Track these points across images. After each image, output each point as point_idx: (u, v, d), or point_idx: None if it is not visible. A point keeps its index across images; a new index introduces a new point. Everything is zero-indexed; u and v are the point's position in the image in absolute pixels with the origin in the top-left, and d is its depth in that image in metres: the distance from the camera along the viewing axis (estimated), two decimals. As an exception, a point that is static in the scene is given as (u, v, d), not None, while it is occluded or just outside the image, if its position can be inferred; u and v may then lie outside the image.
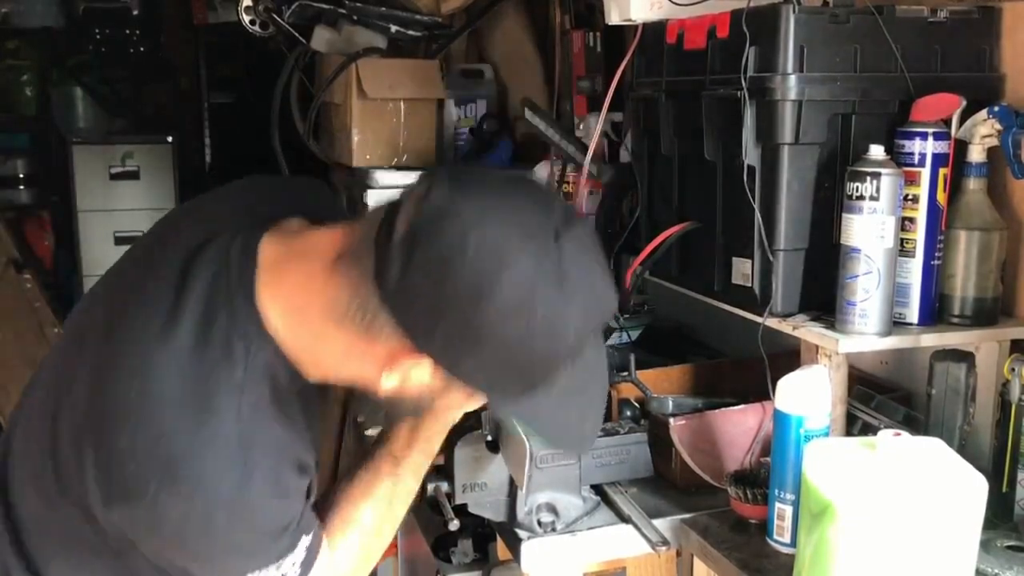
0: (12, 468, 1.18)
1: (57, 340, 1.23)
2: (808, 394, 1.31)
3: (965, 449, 1.35)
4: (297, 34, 2.69)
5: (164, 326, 1.03)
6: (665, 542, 1.43)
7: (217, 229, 1.10)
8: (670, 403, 1.68)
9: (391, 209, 0.98)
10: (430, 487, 1.44)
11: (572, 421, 1.10)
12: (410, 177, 1.14)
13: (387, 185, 2.47)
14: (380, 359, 1.01)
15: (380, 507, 1.22)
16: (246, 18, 2.73)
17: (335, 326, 1.02)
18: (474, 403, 1.14)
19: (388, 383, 1.03)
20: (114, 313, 1.08)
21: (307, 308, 1.04)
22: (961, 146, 1.40)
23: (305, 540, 1.10)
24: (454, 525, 1.45)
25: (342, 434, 3.14)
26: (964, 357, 1.37)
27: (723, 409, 1.56)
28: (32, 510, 1.15)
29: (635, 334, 2.01)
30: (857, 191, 1.31)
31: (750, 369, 1.52)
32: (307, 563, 1.10)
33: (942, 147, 1.37)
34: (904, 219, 1.36)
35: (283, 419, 1.07)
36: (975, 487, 1.10)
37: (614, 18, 1.77)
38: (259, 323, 1.04)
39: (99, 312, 1.13)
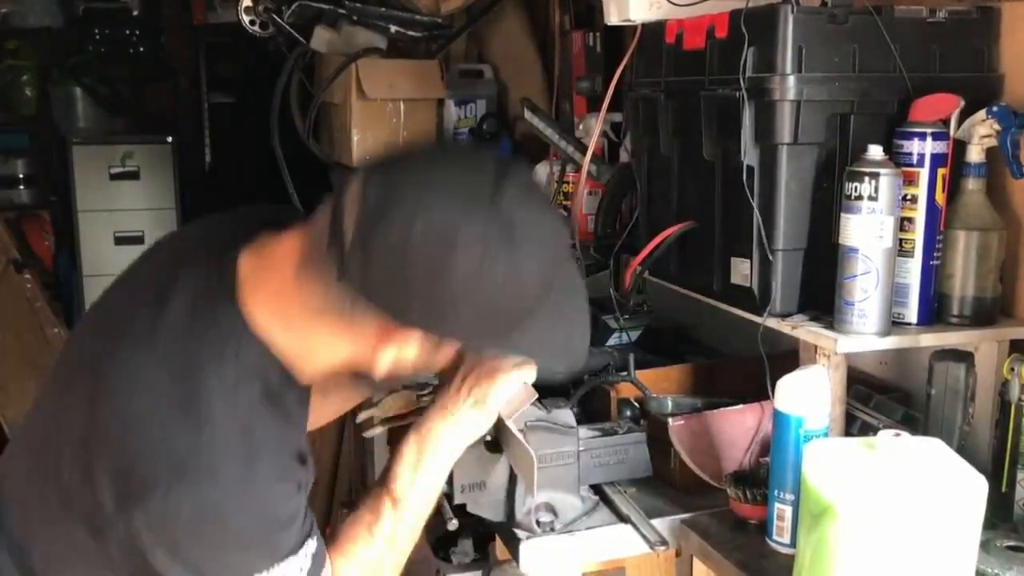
0: (11, 491, 1.20)
1: (50, 374, 1.27)
2: (807, 394, 1.31)
3: (964, 449, 1.35)
4: (297, 34, 2.68)
5: (151, 338, 1.07)
6: (664, 542, 1.43)
7: (189, 258, 1.15)
8: (669, 403, 1.68)
9: (334, 213, 1.02)
10: None
11: (560, 343, 1.15)
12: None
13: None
14: (370, 339, 1.07)
15: (380, 546, 1.21)
16: (246, 18, 2.73)
17: (319, 321, 1.07)
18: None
19: (383, 360, 1.08)
20: (101, 339, 1.13)
21: (288, 310, 1.08)
22: (960, 146, 1.40)
23: (311, 545, 1.10)
24: (453, 525, 1.45)
25: (342, 436, 3.15)
26: (964, 357, 1.37)
27: (722, 409, 1.56)
28: (35, 530, 1.16)
29: (634, 334, 2.01)
30: (856, 191, 1.31)
31: (749, 369, 1.52)
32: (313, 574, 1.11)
33: (941, 147, 1.37)
34: (903, 219, 1.36)
35: (279, 413, 1.10)
36: (975, 487, 1.10)
37: (613, 18, 1.77)
38: (245, 326, 1.08)
39: (86, 344, 1.18)
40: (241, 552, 1.07)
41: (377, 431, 1.58)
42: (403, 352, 1.08)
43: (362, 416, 1.62)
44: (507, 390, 1.25)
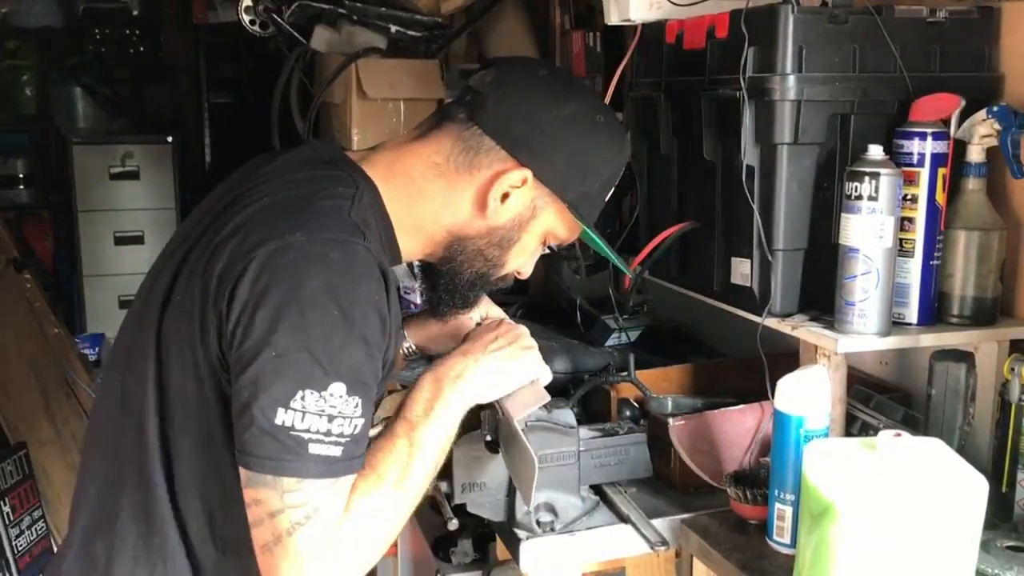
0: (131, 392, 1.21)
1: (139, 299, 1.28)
2: (808, 394, 1.31)
3: (965, 449, 1.35)
4: (297, 34, 2.68)
5: (271, 180, 1.20)
6: (664, 542, 1.43)
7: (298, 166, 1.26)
8: (669, 403, 1.68)
9: (464, 90, 1.26)
10: (429, 487, 1.44)
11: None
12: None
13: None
14: (482, 187, 1.23)
15: (398, 464, 1.15)
16: (246, 18, 2.73)
17: (436, 176, 1.24)
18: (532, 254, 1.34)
19: (492, 205, 1.23)
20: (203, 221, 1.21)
21: (407, 171, 1.24)
22: (960, 146, 1.40)
23: (366, 414, 1.09)
24: (453, 525, 1.45)
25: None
26: (964, 357, 1.37)
27: (722, 409, 1.56)
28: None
29: (635, 334, 2.01)
30: (856, 191, 1.31)
31: (749, 369, 1.52)
32: (348, 455, 1.07)
33: (941, 147, 1.37)
34: (903, 219, 1.36)
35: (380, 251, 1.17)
36: (976, 487, 1.09)
37: (613, 18, 1.77)
38: (362, 173, 1.22)
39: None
40: (320, 324, 1.05)
41: (376, 430, 1.58)
42: (505, 207, 1.24)
43: None
44: (531, 364, 1.30)
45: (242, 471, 1.07)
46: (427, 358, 1.51)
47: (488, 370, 1.26)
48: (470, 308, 1.37)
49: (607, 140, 1.28)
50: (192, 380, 1.13)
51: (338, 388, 1.05)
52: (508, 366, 1.28)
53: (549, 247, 1.35)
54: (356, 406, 1.07)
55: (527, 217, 1.27)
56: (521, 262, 1.33)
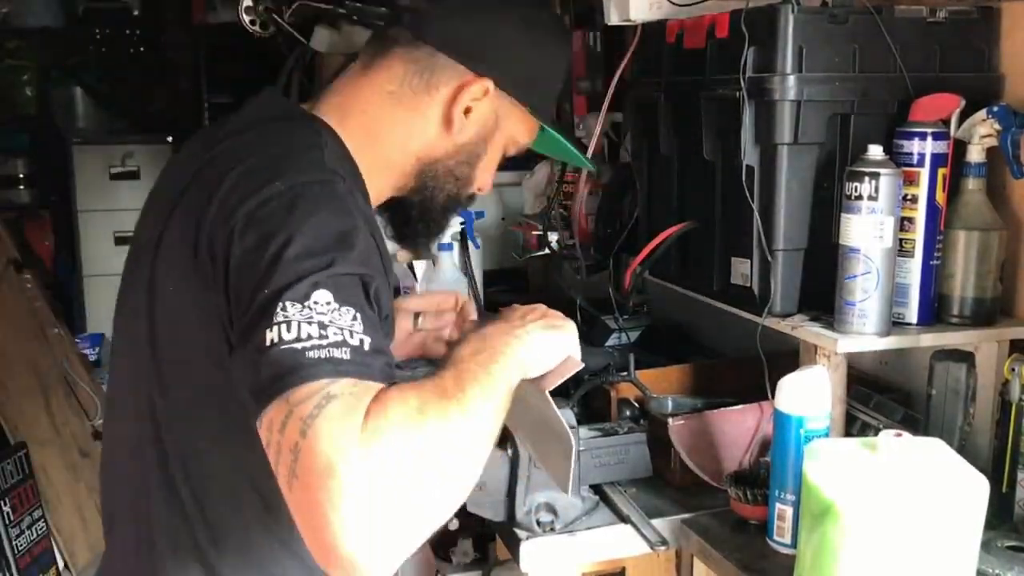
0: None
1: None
2: (808, 394, 1.31)
3: (965, 449, 1.35)
4: (297, 34, 2.68)
5: (229, 129, 1.16)
6: (664, 542, 1.43)
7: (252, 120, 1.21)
8: (669, 403, 1.68)
9: (392, 16, 1.24)
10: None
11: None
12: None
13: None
14: (443, 105, 1.20)
15: (431, 400, 0.91)
16: (246, 18, 2.73)
17: (394, 105, 1.20)
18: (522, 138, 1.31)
19: (458, 115, 1.20)
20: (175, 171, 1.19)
21: (362, 106, 1.20)
22: (960, 146, 1.40)
23: (360, 317, 0.92)
24: (453, 525, 1.45)
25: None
26: (964, 357, 1.37)
27: (722, 409, 1.56)
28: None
29: (634, 334, 2.01)
30: (856, 191, 1.31)
31: (749, 369, 1.52)
32: (358, 359, 0.89)
33: (941, 147, 1.37)
34: (903, 219, 1.36)
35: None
36: (976, 488, 1.09)
37: (614, 18, 1.77)
38: (319, 121, 1.17)
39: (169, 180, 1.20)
40: (315, 227, 0.97)
41: None
42: (470, 122, 1.21)
43: None
44: (572, 338, 1.17)
45: (257, 423, 0.90)
46: (429, 361, 1.50)
47: (534, 339, 1.10)
48: (443, 234, 1.42)
49: (555, 38, 1.30)
50: (209, 376, 1.06)
51: (321, 295, 0.91)
52: (553, 336, 1.13)
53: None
54: (354, 318, 0.91)
55: (491, 128, 1.25)
56: (484, 180, 1.31)
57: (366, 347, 0.90)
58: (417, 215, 1.29)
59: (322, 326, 0.89)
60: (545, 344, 1.12)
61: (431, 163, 1.24)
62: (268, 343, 0.89)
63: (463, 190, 1.29)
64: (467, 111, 1.21)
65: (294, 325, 0.89)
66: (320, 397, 0.85)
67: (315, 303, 0.91)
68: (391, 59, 1.21)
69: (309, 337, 0.88)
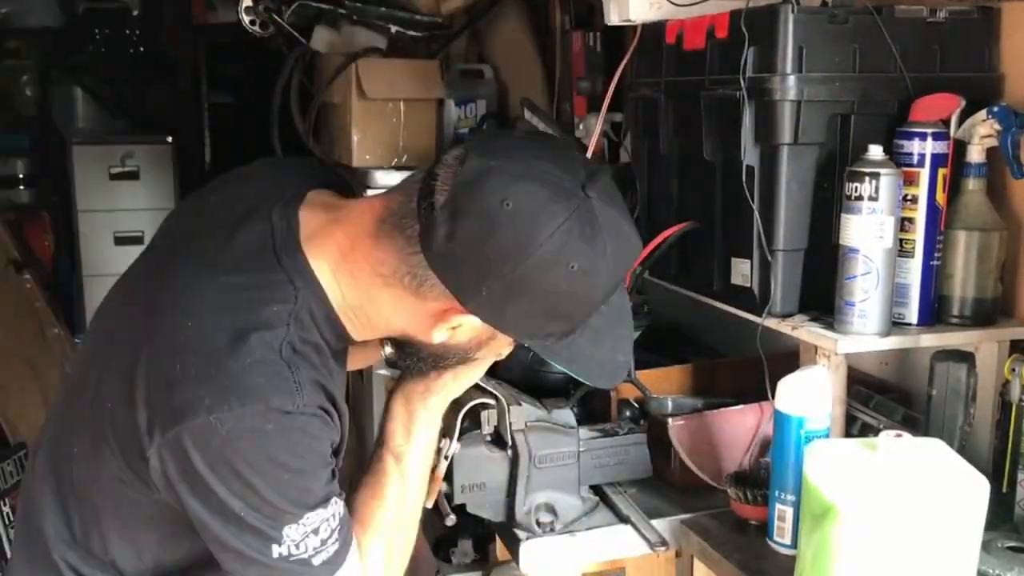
0: (57, 446, 1.21)
1: (89, 335, 1.29)
2: (808, 395, 1.31)
3: (965, 450, 1.35)
4: (297, 34, 2.68)
5: (214, 271, 1.10)
6: (664, 542, 1.43)
7: (253, 204, 1.16)
8: (669, 403, 1.68)
9: (428, 177, 1.06)
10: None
11: (606, 356, 1.19)
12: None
13: (387, 185, 2.46)
14: (430, 314, 1.10)
15: (393, 506, 1.22)
16: (246, 18, 2.73)
17: (384, 286, 1.10)
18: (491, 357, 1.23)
19: (439, 336, 1.11)
20: (161, 271, 1.15)
21: (357, 271, 1.11)
22: (960, 146, 1.39)
23: (338, 505, 1.11)
24: (451, 520, 1.45)
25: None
26: (965, 358, 1.37)
27: (722, 410, 1.56)
28: (80, 478, 1.17)
29: (635, 334, 2.01)
30: (856, 191, 1.31)
31: (749, 369, 1.52)
32: (342, 538, 1.11)
33: (941, 147, 1.37)
34: (903, 219, 1.36)
35: (322, 364, 1.12)
36: (977, 488, 1.10)
37: (613, 19, 1.77)
38: (307, 274, 1.11)
39: (141, 281, 1.21)
40: (272, 488, 1.04)
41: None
42: (457, 334, 1.12)
43: None
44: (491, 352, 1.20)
45: None
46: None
47: (449, 374, 1.24)
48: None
49: (583, 283, 1.05)
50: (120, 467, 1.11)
51: (313, 514, 1.07)
52: (467, 373, 1.27)
53: None
54: (332, 504, 1.10)
55: (486, 337, 1.14)
56: (492, 358, 1.24)
57: (343, 517, 1.12)
58: (409, 352, 1.21)
59: (317, 531, 1.08)
60: (461, 371, 1.24)
61: (417, 343, 1.16)
62: (278, 555, 1.06)
63: (450, 365, 1.22)
64: (455, 327, 1.11)
65: (300, 542, 1.07)
66: None
67: (308, 519, 1.07)
68: (391, 242, 1.08)
69: (314, 548, 1.08)
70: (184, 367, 1.03)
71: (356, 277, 1.11)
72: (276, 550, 1.06)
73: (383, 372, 1.64)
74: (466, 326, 1.10)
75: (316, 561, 1.08)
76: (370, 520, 1.20)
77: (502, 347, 1.19)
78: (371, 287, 1.11)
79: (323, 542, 1.08)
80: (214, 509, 1.05)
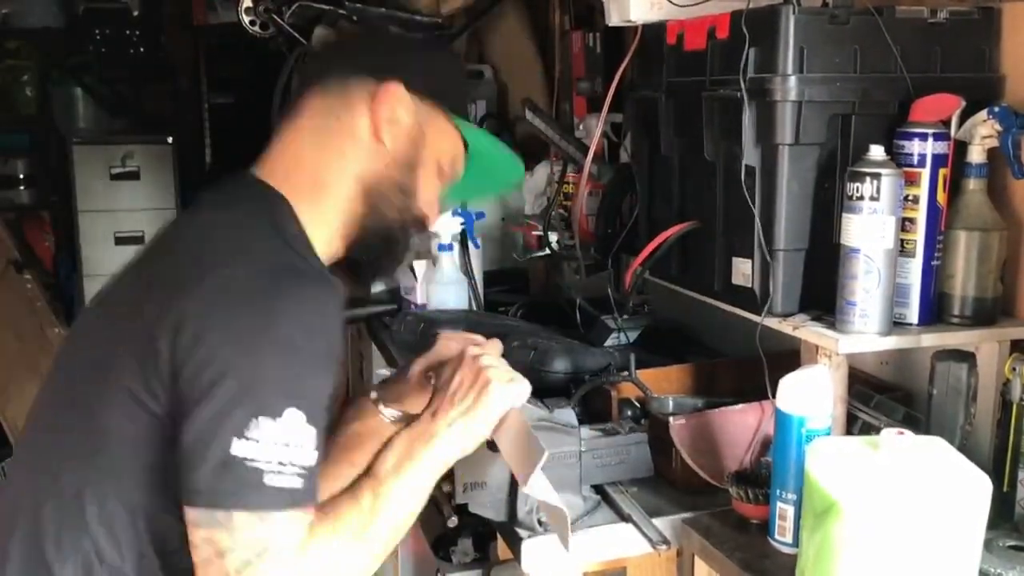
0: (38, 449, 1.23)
1: (73, 339, 1.32)
2: (810, 394, 1.31)
3: (966, 449, 1.35)
4: (297, 34, 2.69)
5: (197, 215, 1.26)
6: (666, 541, 1.44)
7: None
8: (670, 403, 1.68)
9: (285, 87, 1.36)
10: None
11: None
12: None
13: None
14: (367, 116, 1.25)
15: (360, 514, 1.13)
16: (246, 18, 2.74)
17: (323, 136, 1.25)
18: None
19: (382, 122, 1.24)
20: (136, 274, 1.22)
21: (297, 151, 1.25)
22: (961, 147, 1.40)
23: (316, 444, 1.05)
24: (452, 521, 1.45)
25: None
26: (965, 357, 1.37)
27: (723, 409, 1.56)
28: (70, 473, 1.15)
29: (635, 334, 2.01)
30: (857, 191, 1.31)
31: (750, 369, 1.52)
32: (305, 486, 1.03)
33: (942, 148, 1.37)
34: (904, 219, 1.36)
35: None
36: (979, 486, 1.10)
37: (614, 19, 1.77)
38: (268, 187, 1.23)
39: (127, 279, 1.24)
40: (269, 362, 1.03)
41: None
42: (396, 113, 1.25)
43: None
44: (499, 402, 1.25)
45: (189, 511, 1.02)
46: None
47: (458, 429, 1.23)
48: (405, 256, 1.41)
49: (443, 49, 1.46)
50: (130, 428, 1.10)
51: (295, 416, 1.02)
52: (476, 417, 1.24)
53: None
54: (312, 436, 1.04)
55: (418, 134, 1.28)
56: (429, 197, 1.32)
57: (313, 466, 1.04)
58: (376, 246, 1.31)
59: (287, 447, 1.02)
60: (470, 428, 1.24)
61: (374, 180, 1.26)
62: (235, 454, 1.00)
63: (411, 200, 1.30)
64: (391, 119, 1.25)
65: (264, 447, 1.01)
66: (261, 546, 1.01)
67: (287, 422, 1.02)
68: (309, 99, 1.28)
69: (273, 462, 1.01)
70: (194, 257, 1.13)
71: (300, 159, 1.24)
72: (236, 446, 1.00)
73: (383, 372, 1.64)
74: (400, 113, 1.25)
75: (268, 480, 1.01)
76: (333, 512, 1.11)
77: (439, 146, 1.31)
78: (316, 151, 1.24)
79: (282, 464, 1.01)
80: (211, 374, 1.02)
